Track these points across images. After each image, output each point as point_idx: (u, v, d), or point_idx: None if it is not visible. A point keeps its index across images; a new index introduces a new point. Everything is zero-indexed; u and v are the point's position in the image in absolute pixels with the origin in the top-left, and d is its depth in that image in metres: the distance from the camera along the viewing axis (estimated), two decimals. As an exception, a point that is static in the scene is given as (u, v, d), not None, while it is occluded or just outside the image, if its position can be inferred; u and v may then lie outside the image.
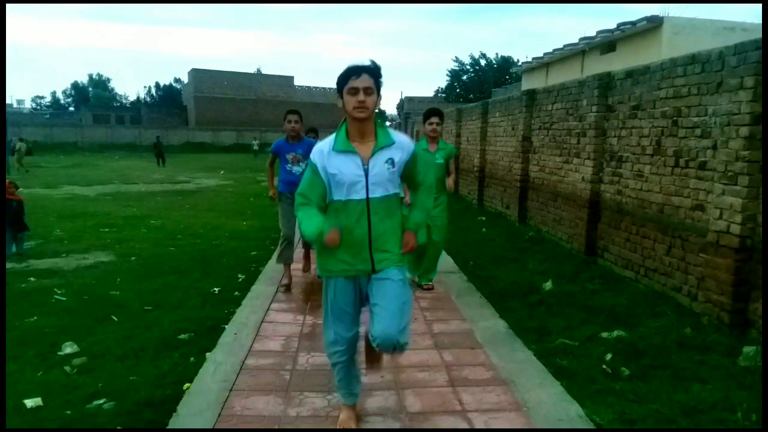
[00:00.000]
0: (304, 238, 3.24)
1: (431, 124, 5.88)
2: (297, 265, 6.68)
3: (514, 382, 3.75)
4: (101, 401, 3.52)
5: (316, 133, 8.03)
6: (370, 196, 2.84)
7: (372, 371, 3.67)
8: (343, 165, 2.82)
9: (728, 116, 4.76)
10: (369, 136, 2.86)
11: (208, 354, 4.24)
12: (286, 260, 6.20)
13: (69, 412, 3.41)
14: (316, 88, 65.14)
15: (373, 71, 2.80)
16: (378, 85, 2.81)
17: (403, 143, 2.93)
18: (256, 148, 44.90)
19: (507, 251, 8.00)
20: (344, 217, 2.86)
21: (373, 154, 2.84)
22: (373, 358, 3.37)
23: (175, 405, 3.45)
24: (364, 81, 2.75)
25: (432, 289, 6.09)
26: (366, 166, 2.82)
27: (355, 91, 2.74)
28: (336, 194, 2.88)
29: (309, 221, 2.87)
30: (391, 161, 2.86)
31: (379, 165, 2.84)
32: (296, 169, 5.95)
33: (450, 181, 6.04)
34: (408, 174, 3.00)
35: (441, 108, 7.21)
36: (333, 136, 2.90)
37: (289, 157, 5.97)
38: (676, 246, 5.57)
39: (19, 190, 8.64)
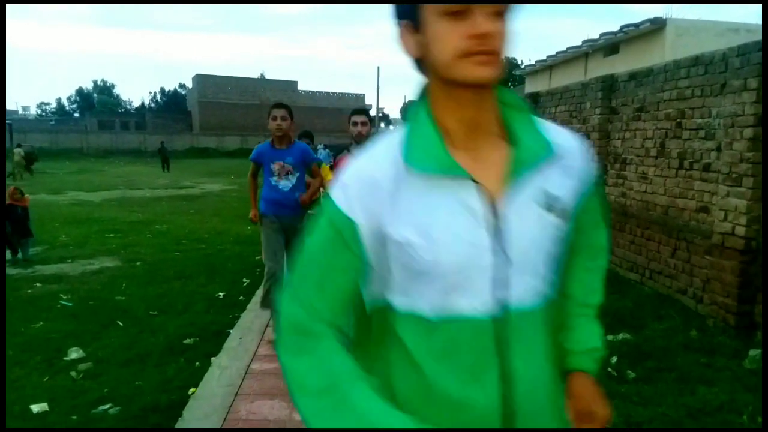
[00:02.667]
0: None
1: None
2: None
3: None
4: (107, 406, 3.53)
5: (311, 139, 6.97)
6: (515, 302, 1.03)
7: None
8: (439, 215, 1.00)
9: (732, 118, 4.75)
10: (491, 130, 1.07)
11: (213, 359, 4.25)
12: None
13: (75, 417, 3.43)
14: (319, 92, 65.24)
15: None
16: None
17: (573, 148, 1.14)
18: (260, 152, 45.07)
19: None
20: (432, 361, 1.03)
21: (513, 179, 1.03)
22: None
23: (181, 410, 3.46)
24: None
25: None
26: (494, 214, 1.02)
27: (461, 14, 0.96)
28: (403, 294, 1.05)
29: (336, 409, 0.98)
30: (552, 201, 1.06)
31: (526, 211, 1.04)
32: (284, 183, 4.57)
33: None
34: (581, 223, 1.19)
35: None
36: (394, 134, 1.10)
37: (275, 167, 4.56)
38: (681, 248, 5.56)
39: (24, 195, 8.69)
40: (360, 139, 4.43)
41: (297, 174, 4.59)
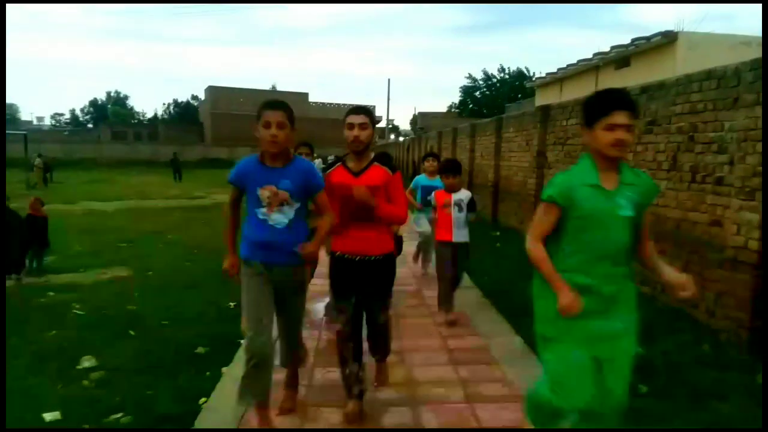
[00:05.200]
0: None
1: (615, 127, 2.42)
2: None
3: (530, 399, 3.72)
4: (119, 415, 3.55)
5: (311, 149, 5.73)
6: None
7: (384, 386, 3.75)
8: None
9: (745, 132, 4.74)
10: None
11: (224, 369, 4.27)
12: (256, 396, 3.25)
13: (87, 426, 3.45)
14: (330, 104, 65.60)
15: None
16: None
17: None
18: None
19: (522, 267, 7.95)
20: None
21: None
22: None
23: (193, 420, 3.47)
24: None
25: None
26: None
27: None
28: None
29: None
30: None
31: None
32: (277, 217, 3.14)
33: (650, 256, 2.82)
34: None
35: (456, 124, 6.71)
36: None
37: (264, 193, 3.13)
38: (694, 262, 5.52)
39: (44, 207, 8.83)
40: (358, 147, 3.35)
41: (296, 205, 3.16)
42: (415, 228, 7.58)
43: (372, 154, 3.45)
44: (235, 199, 3.32)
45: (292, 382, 3.64)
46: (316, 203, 3.26)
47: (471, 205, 5.51)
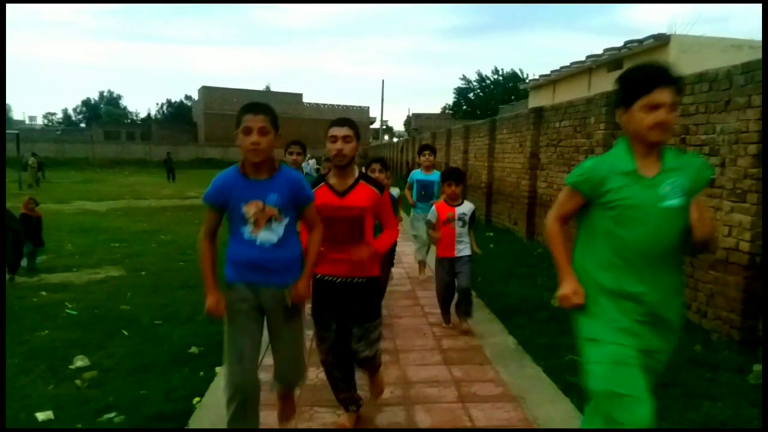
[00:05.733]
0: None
1: (657, 106, 2.17)
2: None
3: (523, 399, 3.75)
4: (112, 415, 3.55)
5: (302, 149, 5.63)
6: None
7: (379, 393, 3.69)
8: None
9: (736, 134, 4.78)
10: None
11: (217, 368, 4.26)
12: None
13: (80, 425, 3.44)
14: (324, 105, 65.58)
15: None
16: None
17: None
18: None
19: (515, 267, 8.00)
20: None
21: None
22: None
23: (186, 419, 3.47)
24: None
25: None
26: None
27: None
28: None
29: None
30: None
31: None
32: (264, 236, 2.78)
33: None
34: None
35: (449, 125, 6.34)
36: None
37: (249, 210, 2.76)
38: (685, 263, 5.56)
39: (38, 206, 8.79)
40: (341, 161, 3.07)
41: (285, 220, 2.80)
42: (410, 231, 7.57)
43: (356, 171, 3.18)
44: (212, 229, 2.86)
45: (288, 392, 3.27)
46: (304, 218, 2.92)
47: (471, 218, 5.24)
